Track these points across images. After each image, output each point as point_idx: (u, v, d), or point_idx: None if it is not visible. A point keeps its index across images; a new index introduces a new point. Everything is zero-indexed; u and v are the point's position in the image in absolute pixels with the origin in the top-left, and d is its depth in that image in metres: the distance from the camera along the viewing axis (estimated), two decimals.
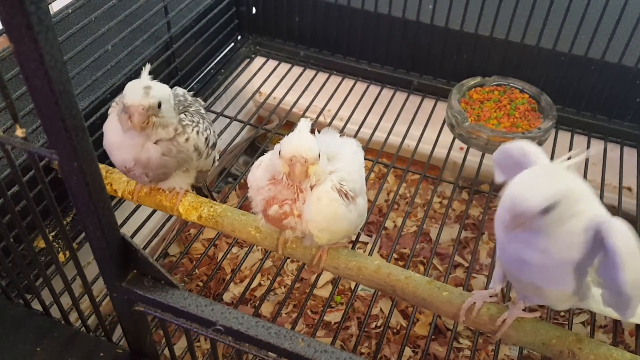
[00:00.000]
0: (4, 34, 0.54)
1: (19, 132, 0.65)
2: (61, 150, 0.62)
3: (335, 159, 1.01)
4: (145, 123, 1.00)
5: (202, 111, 1.18)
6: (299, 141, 0.93)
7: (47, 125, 0.60)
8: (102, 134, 1.27)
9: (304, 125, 0.98)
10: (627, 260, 0.79)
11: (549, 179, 0.80)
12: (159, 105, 1.01)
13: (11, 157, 0.74)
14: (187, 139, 1.07)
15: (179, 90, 1.17)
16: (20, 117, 0.65)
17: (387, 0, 1.70)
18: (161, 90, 1.02)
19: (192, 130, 1.08)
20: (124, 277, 0.80)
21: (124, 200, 1.35)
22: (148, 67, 1.06)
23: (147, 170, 1.07)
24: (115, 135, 1.06)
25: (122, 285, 0.80)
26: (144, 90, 0.99)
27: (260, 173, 1.00)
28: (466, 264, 1.69)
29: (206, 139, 1.12)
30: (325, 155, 0.97)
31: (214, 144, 1.18)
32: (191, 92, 1.20)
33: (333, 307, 1.60)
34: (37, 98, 0.58)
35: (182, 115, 1.09)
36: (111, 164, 1.24)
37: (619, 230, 0.80)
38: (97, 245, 0.75)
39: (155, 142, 1.05)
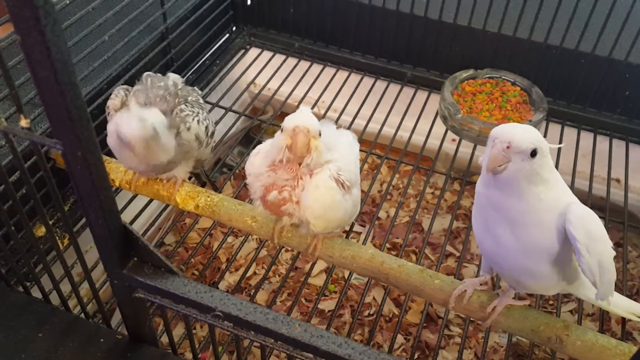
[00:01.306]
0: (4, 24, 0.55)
1: (24, 122, 0.67)
2: (66, 140, 0.64)
3: (333, 149, 1.03)
4: (148, 152, 1.03)
5: (201, 101, 1.20)
6: (301, 114, 0.97)
7: (52, 116, 0.62)
8: (100, 124, 1.29)
9: (304, 108, 1.01)
10: (585, 245, 0.84)
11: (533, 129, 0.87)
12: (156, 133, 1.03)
13: (14, 147, 0.76)
14: (188, 128, 1.09)
15: (172, 77, 1.18)
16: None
17: None
18: (154, 118, 1.03)
19: (193, 120, 1.10)
20: (124, 265, 0.82)
21: (121, 190, 1.37)
22: (134, 100, 1.09)
23: (155, 167, 1.09)
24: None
25: (123, 272, 0.82)
26: (139, 121, 1.00)
27: (259, 160, 1.02)
28: (457, 254, 1.72)
29: (206, 127, 1.14)
30: (323, 140, 1.00)
31: (213, 133, 1.20)
32: (184, 79, 1.21)
33: (327, 296, 1.62)
34: (43, 89, 0.59)
35: (183, 106, 1.10)
36: (107, 154, 1.26)
37: (576, 216, 0.85)
38: (99, 233, 0.76)
39: None
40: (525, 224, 0.88)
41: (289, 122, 0.96)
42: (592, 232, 0.85)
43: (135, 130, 0.99)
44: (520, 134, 0.84)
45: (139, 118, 1.00)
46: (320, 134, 0.97)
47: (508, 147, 0.83)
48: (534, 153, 0.83)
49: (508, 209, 0.88)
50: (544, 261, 0.89)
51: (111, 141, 1.09)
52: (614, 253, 0.93)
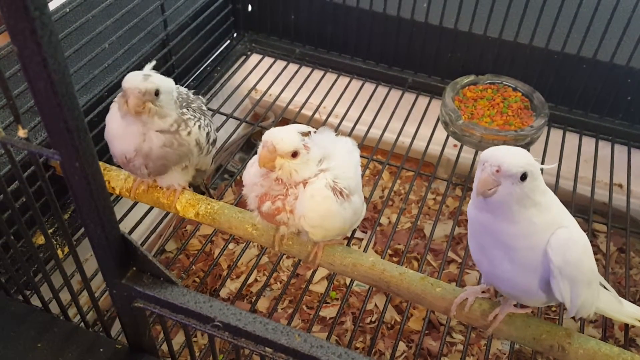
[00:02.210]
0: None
1: (21, 132, 0.67)
2: (63, 151, 0.63)
3: (330, 157, 1.03)
4: (141, 107, 1.01)
5: (204, 108, 1.20)
6: (278, 131, 0.96)
7: (49, 126, 0.62)
8: (100, 131, 1.29)
9: (297, 124, 1.00)
10: (559, 268, 0.86)
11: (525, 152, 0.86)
12: (157, 93, 1.02)
13: (13, 157, 0.76)
14: (189, 132, 1.09)
15: (181, 89, 1.18)
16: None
17: None
18: (162, 80, 1.04)
19: (194, 124, 1.10)
20: (123, 274, 0.82)
21: (122, 198, 1.37)
22: (153, 62, 1.08)
23: (148, 161, 1.08)
24: (116, 125, 1.07)
25: (122, 282, 0.81)
26: (143, 76, 1.01)
27: (255, 170, 1.02)
28: (459, 260, 1.71)
29: (207, 134, 1.14)
30: (310, 156, 0.98)
31: (214, 141, 1.20)
32: (192, 91, 1.22)
33: (328, 303, 1.62)
34: (39, 100, 0.59)
35: (184, 110, 1.10)
36: (108, 161, 1.26)
37: (558, 240, 0.85)
38: (98, 243, 0.76)
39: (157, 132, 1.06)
40: (518, 247, 0.88)
41: (265, 133, 0.96)
42: (570, 258, 0.85)
43: (137, 82, 1.00)
44: (510, 157, 0.83)
45: (145, 74, 1.01)
46: (297, 154, 0.96)
47: (498, 171, 0.83)
48: (524, 177, 0.83)
49: (500, 232, 0.88)
50: (541, 282, 0.90)
51: (107, 129, 1.10)
52: (597, 279, 0.92)
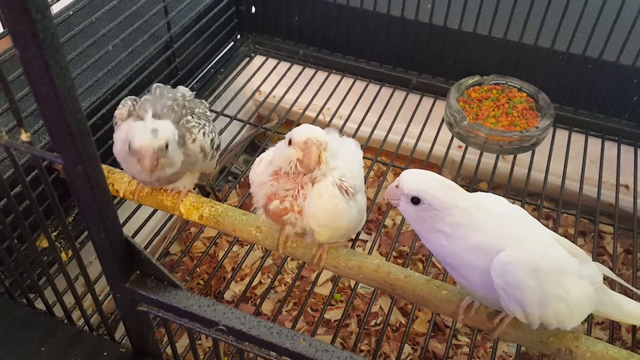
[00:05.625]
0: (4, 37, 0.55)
1: (24, 136, 0.66)
2: (66, 154, 0.63)
3: (336, 156, 1.03)
4: (154, 165, 1.01)
5: (208, 113, 1.19)
6: (310, 127, 0.97)
7: (52, 130, 0.61)
8: (103, 134, 1.29)
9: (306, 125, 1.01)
10: (502, 289, 0.88)
11: (434, 176, 0.93)
12: (167, 146, 1.02)
13: (16, 161, 0.75)
14: (194, 140, 1.09)
15: (182, 89, 1.18)
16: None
17: None
18: (167, 131, 1.03)
19: (199, 131, 1.10)
20: (127, 278, 0.81)
21: (125, 200, 1.36)
22: (150, 112, 1.07)
23: (160, 179, 1.09)
24: (124, 147, 1.07)
25: (126, 285, 0.81)
26: (152, 132, 1.00)
27: (262, 169, 1.02)
28: None
29: (211, 140, 1.14)
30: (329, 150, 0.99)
31: (218, 146, 1.20)
32: (194, 93, 1.21)
33: (333, 305, 1.61)
34: (42, 103, 0.59)
35: (189, 117, 1.10)
36: (112, 163, 1.26)
37: (498, 264, 0.87)
38: (101, 247, 0.76)
39: None
40: (454, 266, 0.92)
41: (299, 135, 0.95)
42: (510, 280, 0.86)
43: (147, 141, 0.99)
44: (405, 179, 0.92)
45: (152, 130, 1.00)
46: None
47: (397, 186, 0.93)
48: (415, 200, 0.90)
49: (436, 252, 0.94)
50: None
51: (117, 148, 1.09)
52: (554, 294, 0.89)
